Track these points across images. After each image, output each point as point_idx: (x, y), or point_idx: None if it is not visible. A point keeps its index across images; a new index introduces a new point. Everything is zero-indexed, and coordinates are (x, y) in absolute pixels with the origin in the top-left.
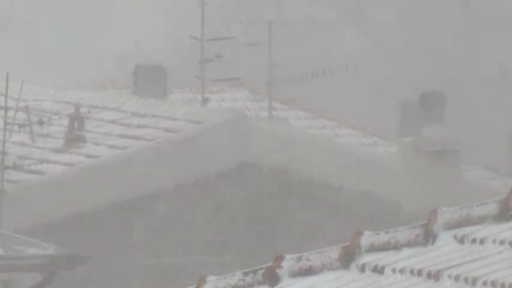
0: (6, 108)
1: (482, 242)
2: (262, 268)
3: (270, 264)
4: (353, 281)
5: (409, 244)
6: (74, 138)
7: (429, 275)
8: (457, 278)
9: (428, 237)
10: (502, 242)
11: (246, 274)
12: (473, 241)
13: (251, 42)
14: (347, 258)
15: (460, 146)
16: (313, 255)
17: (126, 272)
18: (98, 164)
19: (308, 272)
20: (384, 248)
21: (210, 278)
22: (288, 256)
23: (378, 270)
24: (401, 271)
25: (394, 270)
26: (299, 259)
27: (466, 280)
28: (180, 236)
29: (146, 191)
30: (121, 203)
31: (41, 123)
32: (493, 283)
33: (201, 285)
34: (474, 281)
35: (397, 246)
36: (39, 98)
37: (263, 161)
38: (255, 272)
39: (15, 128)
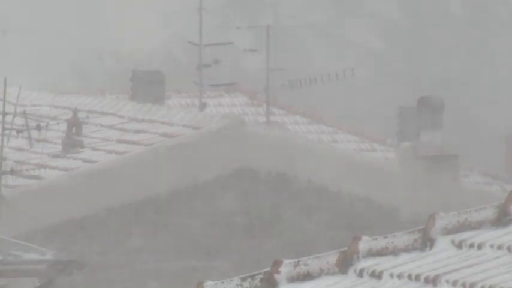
0: (4, 114)
1: (480, 247)
2: (260, 273)
3: (268, 269)
4: (351, 286)
5: (407, 249)
6: (71, 143)
7: (427, 280)
8: (455, 283)
9: (426, 242)
10: (500, 247)
11: (243, 279)
12: (471, 246)
13: (249, 47)
14: (345, 263)
15: (458, 151)
16: (311, 260)
17: (124, 277)
18: (96, 169)
19: (306, 277)
20: (382, 253)
21: (208, 283)
22: (286, 261)
23: (376, 275)
24: (399, 276)
25: (392, 275)
26: (297, 264)
27: (463, 285)
28: (178, 241)
29: (144, 196)
30: (119, 208)
31: (38, 128)
32: None
33: None
34: (472, 286)
35: (395, 251)
36: (37, 103)
37: (261, 166)
38: (252, 277)
39: (13, 133)
